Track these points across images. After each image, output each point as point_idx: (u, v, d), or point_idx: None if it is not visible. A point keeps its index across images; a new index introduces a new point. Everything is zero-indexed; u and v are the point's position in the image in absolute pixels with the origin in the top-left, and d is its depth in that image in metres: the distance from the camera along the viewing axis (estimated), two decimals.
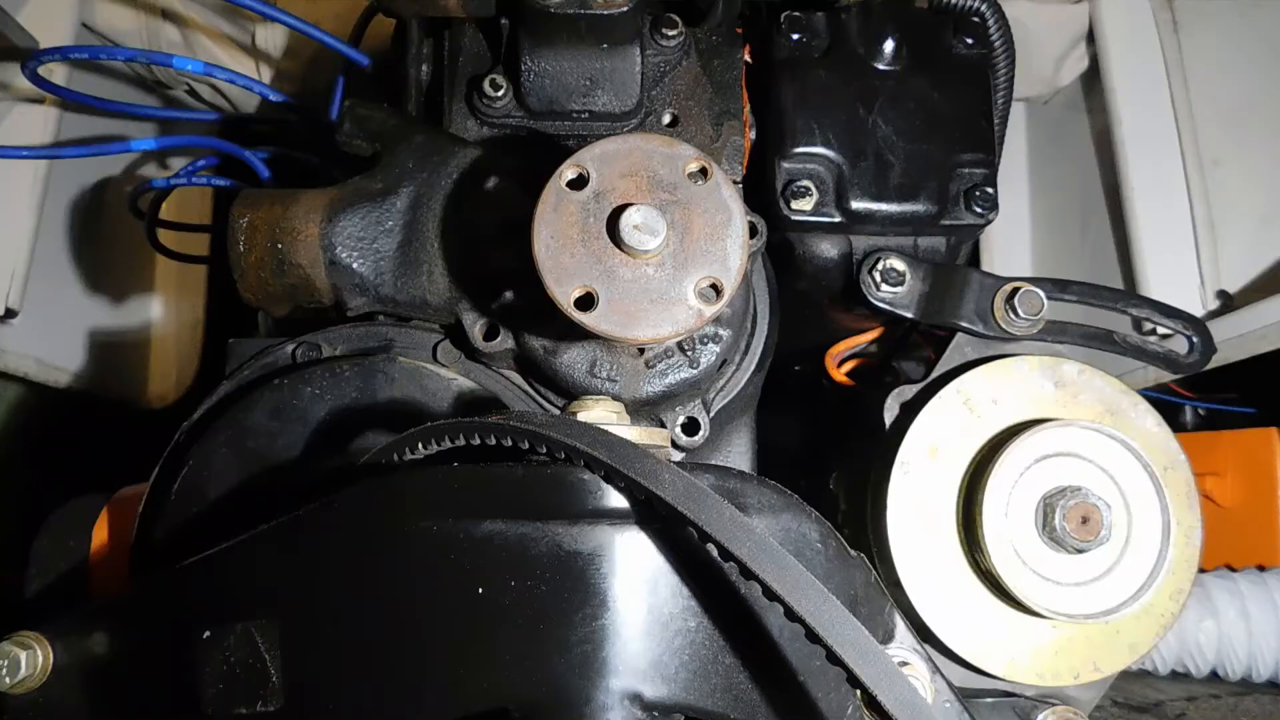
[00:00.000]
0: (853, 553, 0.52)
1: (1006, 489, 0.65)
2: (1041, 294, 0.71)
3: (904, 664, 0.52)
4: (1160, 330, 0.75)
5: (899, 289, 0.74)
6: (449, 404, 0.66)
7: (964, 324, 0.72)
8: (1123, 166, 1.03)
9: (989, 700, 0.65)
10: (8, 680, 0.54)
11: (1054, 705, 0.63)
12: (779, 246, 0.78)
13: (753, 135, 0.79)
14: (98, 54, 1.10)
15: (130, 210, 1.16)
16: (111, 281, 1.30)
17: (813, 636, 0.39)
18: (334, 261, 0.68)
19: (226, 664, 0.48)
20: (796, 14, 0.78)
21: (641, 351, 0.67)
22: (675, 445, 0.71)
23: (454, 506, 0.45)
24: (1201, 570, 0.74)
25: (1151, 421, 0.69)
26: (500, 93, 0.75)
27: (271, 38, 1.14)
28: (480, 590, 0.44)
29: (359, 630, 0.47)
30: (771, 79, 0.77)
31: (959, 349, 0.72)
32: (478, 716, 0.44)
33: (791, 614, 0.39)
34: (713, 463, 0.77)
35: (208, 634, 0.49)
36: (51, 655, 0.55)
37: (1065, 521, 0.63)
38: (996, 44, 0.81)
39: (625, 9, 0.69)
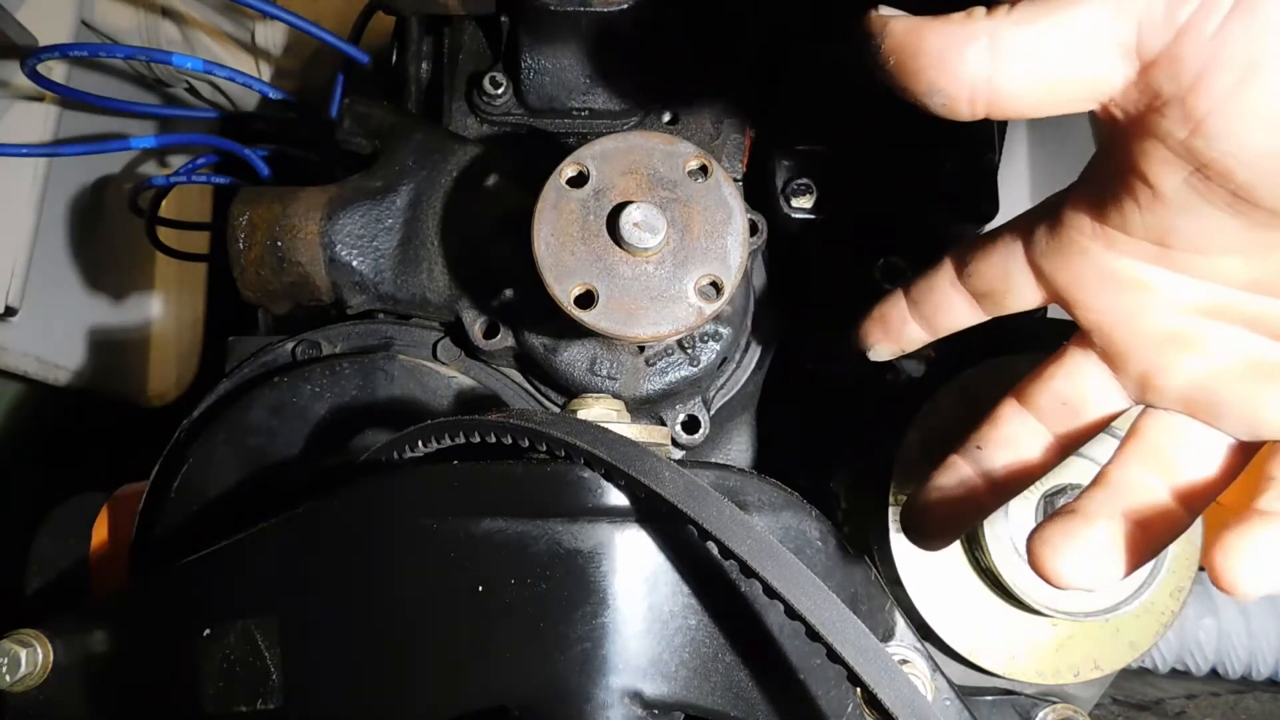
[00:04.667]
0: (853, 551, 0.52)
1: None
2: None
3: (904, 662, 0.52)
4: None
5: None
6: (449, 402, 0.66)
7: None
8: None
9: (989, 698, 0.65)
10: (8, 678, 0.54)
11: (1054, 703, 0.63)
12: (779, 244, 0.78)
13: (753, 133, 0.79)
14: (97, 52, 1.10)
15: (130, 208, 1.16)
16: (111, 279, 1.30)
17: (813, 634, 0.39)
18: (334, 259, 0.68)
19: (226, 661, 0.48)
20: None
21: (642, 349, 0.67)
22: (675, 443, 0.71)
23: (453, 504, 0.45)
24: (1201, 568, 0.74)
25: None
26: (500, 90, 0.75)
27: (271, 35, 1.14)
28: (479, 588, 0.44)
29: (358, 628, 0.47)
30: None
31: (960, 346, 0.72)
32: (477, 714, 0.44)
33: (792, 612, 0.39)
34: (713, 460, 0.77)
35: (208, 632, 0.49)
36: (51, 653, 0.55)
37: None
38: None
39: (625, 6, 0.69)
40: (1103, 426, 0.48)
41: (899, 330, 0.54)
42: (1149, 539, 0.44)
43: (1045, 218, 0.47)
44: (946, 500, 0.51)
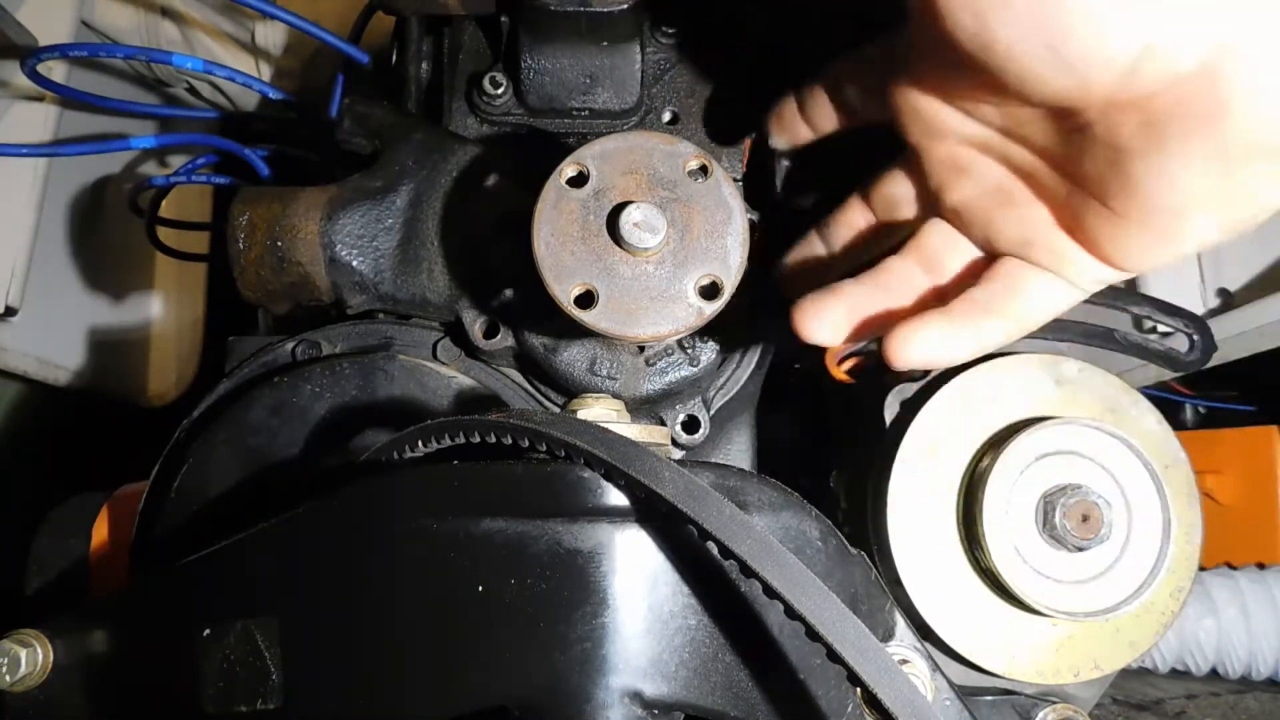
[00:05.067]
0: (853, 551, 0.52)
1: (1007, 487, 0.65)
2: None
3: (904, 662, 0.52)
4: (1161, 328, 0.75)
5: None
6: (449, 402, 0.66)
7: None
8: None
9: (989, 698, 0.65)
10: (8, 678, 0.54)
11: (1054, 703, 0.63)
12: (780, 244, 0.78)
13: (753, 133, 0.79)
14: (97, 51, 1.10)
15: (130, 208, 1.16)
16: (111, 279, 1.30)
17: (813, 634, 0.39)
18: (334, 259, 0.68)
19: (226, 661, 0.48)
20: None
21: (641, 349, 0.67)
22: (675, 443, 0.71)
23: (453, 504, 0.45)
24: (1201, 568, 0.74)
25: (1152, 419, 0.69)
26: (500, 90, 0.75)
27: (271, 35, 1.14)
28: (480, 588, 0.44)
29: (358, 628, 0.47)
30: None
31: None
32: (477, 714, 0.44)
33: (791, 612, 0.39)
34: (713, 460, 0.77)
35: (208, 632, 0.49)
36: (52, 653, 0.55)
37: (1066, 519, 0.63)
38: None
39: (625, 6, 0.69)
40: (906, 226, 0.61)
41: (791, 125, 0.66)
42: (892, 311, 0.58)
43: (883, 54, 0.57)
44: (801, 267, 0.67)
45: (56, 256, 1.20)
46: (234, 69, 0.99)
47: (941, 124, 0.54)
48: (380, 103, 0.74)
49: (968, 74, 0.47)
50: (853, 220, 0.65)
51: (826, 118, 0.64)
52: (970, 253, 0.58)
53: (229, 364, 0.72)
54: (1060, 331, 0.72)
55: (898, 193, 0.61)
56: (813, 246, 0.67)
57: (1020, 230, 0.53)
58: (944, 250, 0.58)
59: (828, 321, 0.59)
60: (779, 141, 0.68)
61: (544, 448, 0.45)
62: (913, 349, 0.54)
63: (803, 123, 0.66)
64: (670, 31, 0.76)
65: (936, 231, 0.59)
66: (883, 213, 0.63)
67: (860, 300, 0.59)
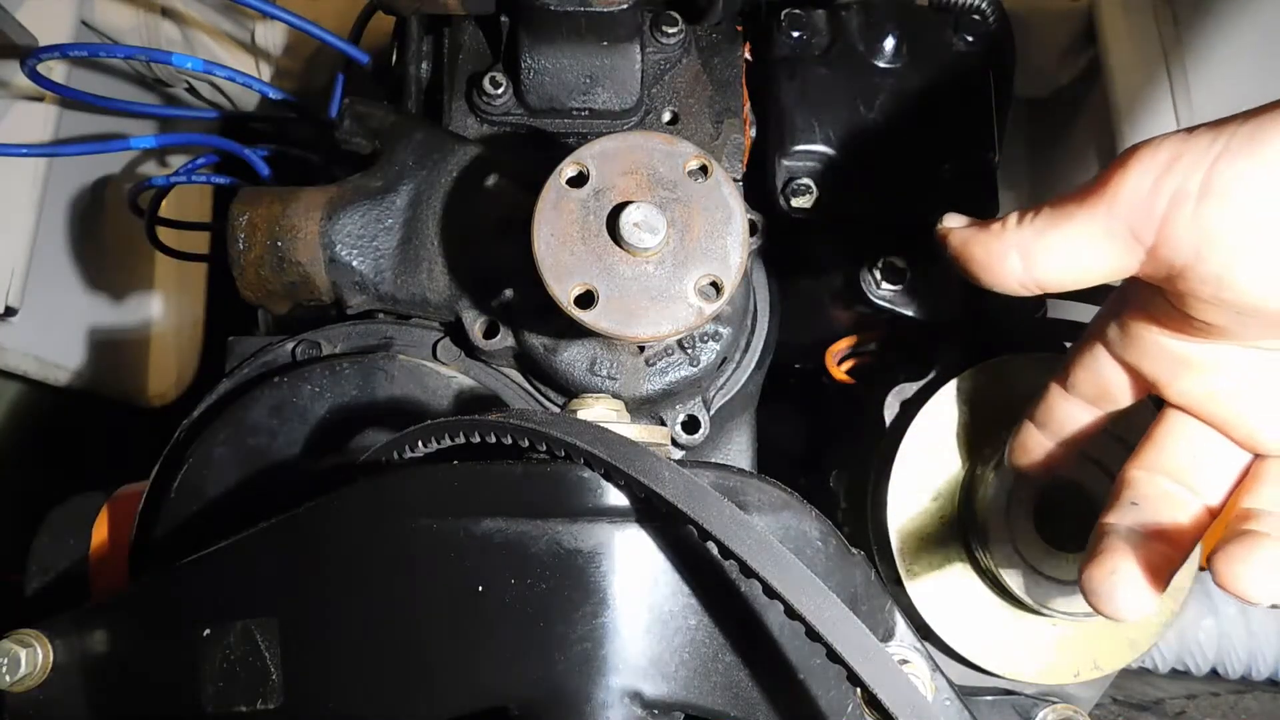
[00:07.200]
0: (853, 551, 0.52)
1: (1007, 487, 0.65)
2: None
3: (904, 662, 0.52)
4: None
5: (899, 287, 0.74)
6: (449, 402, 0.66)
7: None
8: None
9: (989, 698, 0.65)
10: (8, 678, 0.54)
11: (1054, 703, 0.63)
12: (779, 244, 0.78)
13: (753, 133, 0.79)
14: (97, 51, 1.10)
15: (130, 208, 1.16)
16: (111, 279, 1.30)
17: (813, 634, 0.39)
18: (334, 259, 0.68)
19: (226, 661, 0.49)
20: (796, 11, 0.78)
21: (641, 349, 0.67)
22: (675, 443, 0.71)
23: (453, 504, 0.45)
24: (1202, 568, 0.74)
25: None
26: (500, 90, 0.75)
27: (271, 35, 1.14)
28: (480, 588, 0.44)
29: (358, 628, 0.47)
30: (771, 76, 0.77)
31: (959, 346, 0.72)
32: (477, 714, 0.44)
33: (791, 612, 0.39)
34: (713, 460, 0.77)
35: (207, 632, 0.49)
36: (51, 653, 0.55)
37: (1065, 519, 0.63)
38: (998, 42, 0.81)
39: (625, 6, 0.69)
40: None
41: (1038, 452, 0.59)
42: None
43: (1115, 322, 0.51)
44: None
45: (56, 256, 1.20)
46: (234, 69, 0.99)
47: (1227, 366, 0.48)
48: (380, 103, 0.74)
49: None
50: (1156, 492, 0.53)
51: (1077, 421, 0.57)
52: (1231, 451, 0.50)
53: (229, 364, 0.72)
54: (1062, 334, 0.72)
55: (1189, 458, 0.51)
56: (1121, 530, 0.52)
57: None
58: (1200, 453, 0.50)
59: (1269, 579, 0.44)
60: (1037, 474, 0.61)
61: (544, 448, 0.45)
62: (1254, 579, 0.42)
63: (1051, 443, 0.59)
64: (670, 31, 0.76)
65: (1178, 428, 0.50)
66: (1093, 400, 0.56)
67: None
